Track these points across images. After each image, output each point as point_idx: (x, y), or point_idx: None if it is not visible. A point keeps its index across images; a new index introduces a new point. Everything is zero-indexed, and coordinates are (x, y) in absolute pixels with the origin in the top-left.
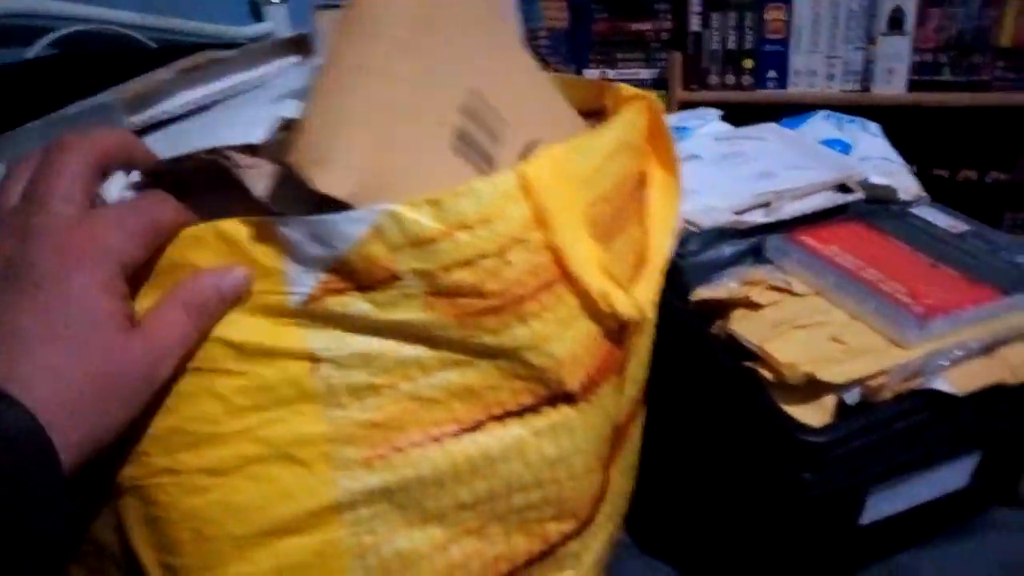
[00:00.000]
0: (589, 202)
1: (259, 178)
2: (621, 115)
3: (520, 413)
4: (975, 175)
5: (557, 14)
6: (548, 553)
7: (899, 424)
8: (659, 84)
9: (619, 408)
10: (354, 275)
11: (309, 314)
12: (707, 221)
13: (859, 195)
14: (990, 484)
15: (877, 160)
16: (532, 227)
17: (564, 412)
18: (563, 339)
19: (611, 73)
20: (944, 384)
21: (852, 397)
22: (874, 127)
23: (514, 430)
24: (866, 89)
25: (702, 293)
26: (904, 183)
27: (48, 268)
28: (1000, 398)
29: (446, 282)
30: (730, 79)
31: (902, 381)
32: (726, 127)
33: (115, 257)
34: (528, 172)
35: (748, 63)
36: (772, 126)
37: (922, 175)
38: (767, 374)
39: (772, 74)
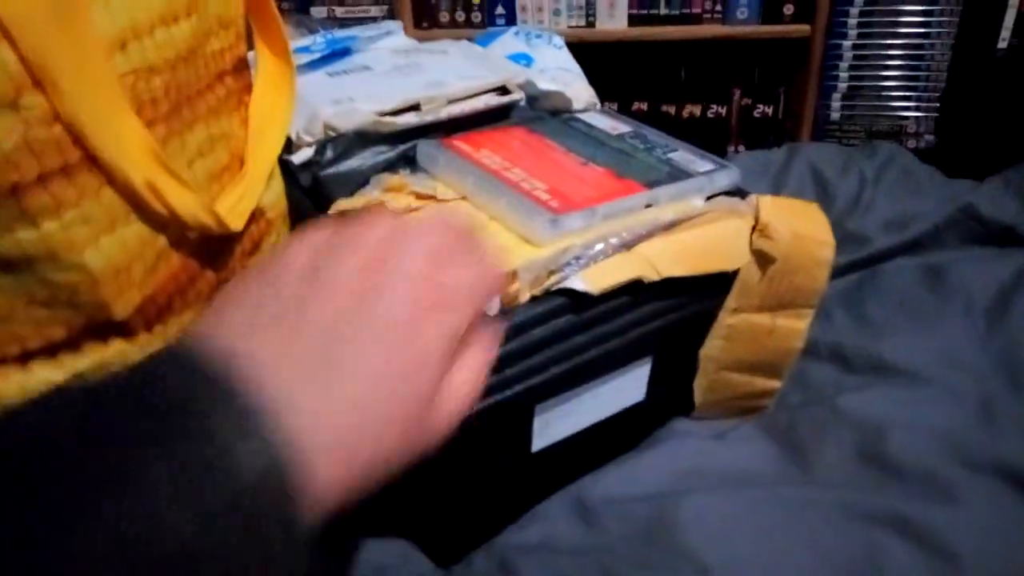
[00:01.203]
0: (128, 69)
1: None
2: None
3: (50, 352)
4: (699, 110)
5: None
6: None
7: (540, 330)
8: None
9: None
10: None
11: None
12: (346, 123)
13: (517, 96)
14: (667, 396)
15: (555, 71)
16: (26, 87)
17: (119, 348)
18: (98, 247)
19: (339, 10)
20: (579, 282)
21: (491, 307)
22: (558, 40)
23: (42, 374)
24: (591, 24)
25: (342, 204)
26: (578, 92)
27: (401, 312)
28: (644, 297)
29: None
30: (460, 16)
31: (536, 282)
32: (408, 41)
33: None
34: (5, 8)
35: None
36: (461, 42)
37: (650, 112)
38: None
39: (500, 11)
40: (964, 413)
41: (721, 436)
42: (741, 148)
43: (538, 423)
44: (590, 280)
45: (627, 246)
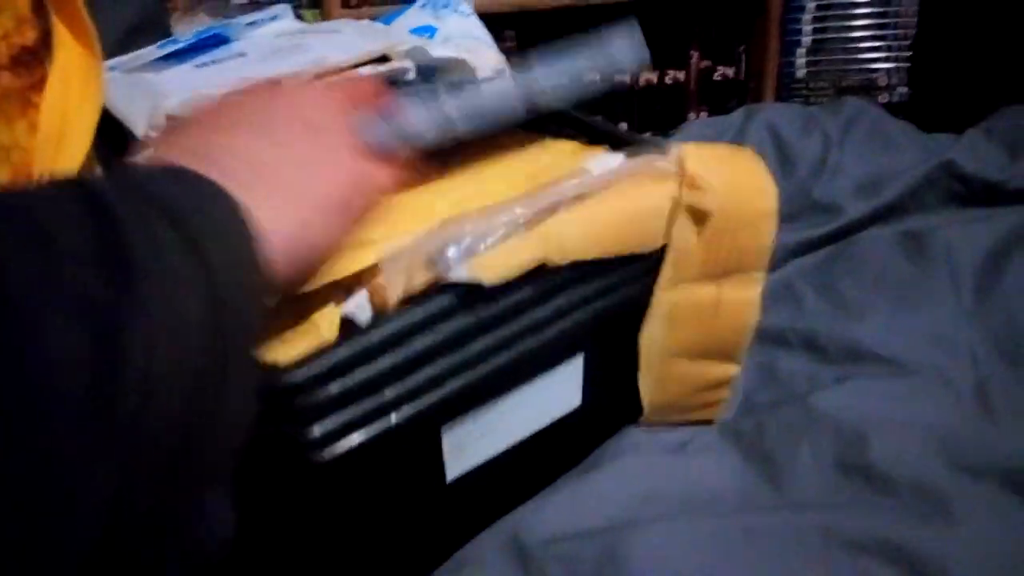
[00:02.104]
0: None
1: None
2: None
3: None
4: (655, 77)
5: None
6: None
7: (425, 338)
8: (315, 2)
9: None
10: None
11: None
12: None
13: (399, 65)
14: (610, 398)
15: (460, 38)
16: None
17: None
18: None
19: None
20: (465, 272)
21: (362, 312)
22: (465, 7)
23: None
24: None
25: None
26: (483, 59)
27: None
28: (558, 284)
29: None
30: None
31: (410, 278)
32: (297, 24)
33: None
34: None
35: None
36: (361, 21)
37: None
38: None
39: None
40: (957, 406)
41: (680, 449)
42: (703, 115)
43: (448, 447)
44: (481, 269)
45: (529, 225)
